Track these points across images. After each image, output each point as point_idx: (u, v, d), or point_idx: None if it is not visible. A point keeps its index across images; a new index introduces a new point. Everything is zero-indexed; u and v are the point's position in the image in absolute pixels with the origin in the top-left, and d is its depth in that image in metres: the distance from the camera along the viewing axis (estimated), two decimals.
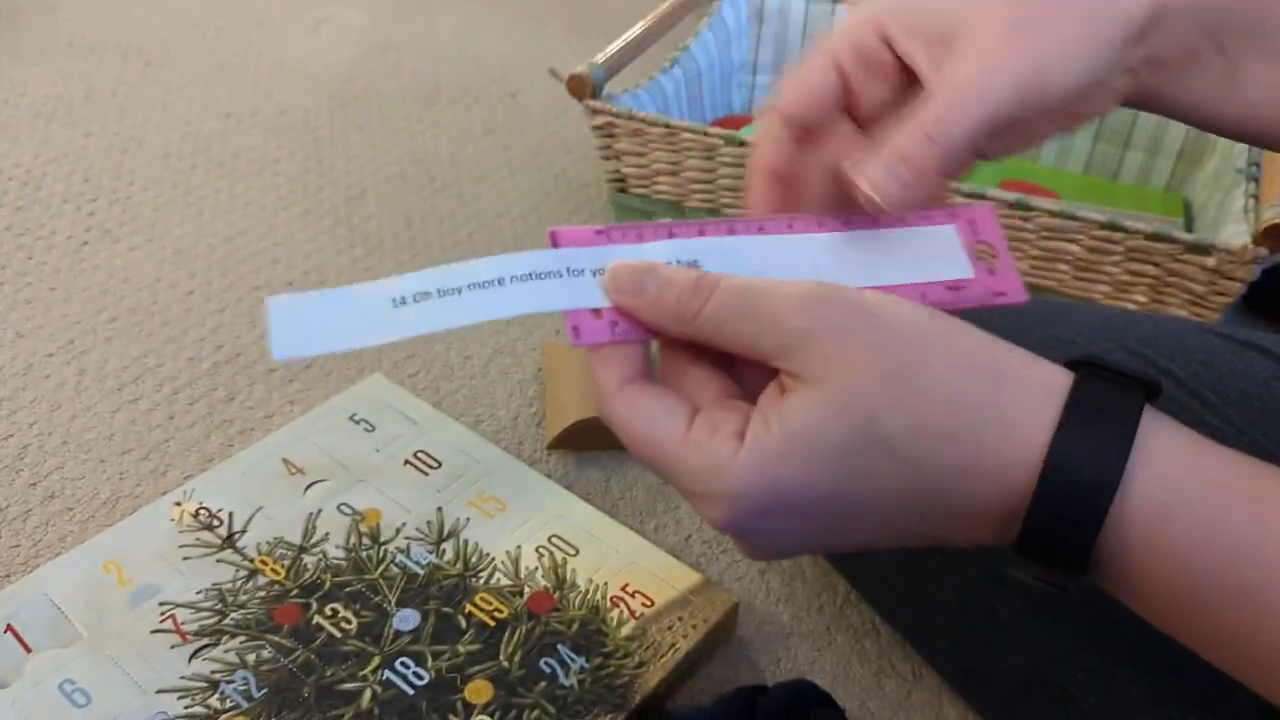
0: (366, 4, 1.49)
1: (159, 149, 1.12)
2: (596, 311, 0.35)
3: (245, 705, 0.54)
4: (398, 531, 0.65)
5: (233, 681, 0.55)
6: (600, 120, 0.82)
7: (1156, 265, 0.73)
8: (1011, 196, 0.73)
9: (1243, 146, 0.83)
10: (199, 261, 0.96)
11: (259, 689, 0.55)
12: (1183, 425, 0.32)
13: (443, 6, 1.50)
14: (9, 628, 0.58)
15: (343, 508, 0.66)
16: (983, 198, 0.73)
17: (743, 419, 0.32)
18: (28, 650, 0.57)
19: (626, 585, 0.62)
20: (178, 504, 0.66)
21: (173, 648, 0.57)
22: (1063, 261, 0.74)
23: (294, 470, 0.69)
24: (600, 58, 0.83)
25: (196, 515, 0.65)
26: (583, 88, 0.81)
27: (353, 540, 0.64)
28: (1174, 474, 0.30)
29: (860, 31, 0.38)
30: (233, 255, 0.97)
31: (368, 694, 0.55)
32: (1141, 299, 0.75)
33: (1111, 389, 0.31)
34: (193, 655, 0.57)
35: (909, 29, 0.38)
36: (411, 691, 0.55)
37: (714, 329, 0.33)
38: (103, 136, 1.13)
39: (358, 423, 0.73)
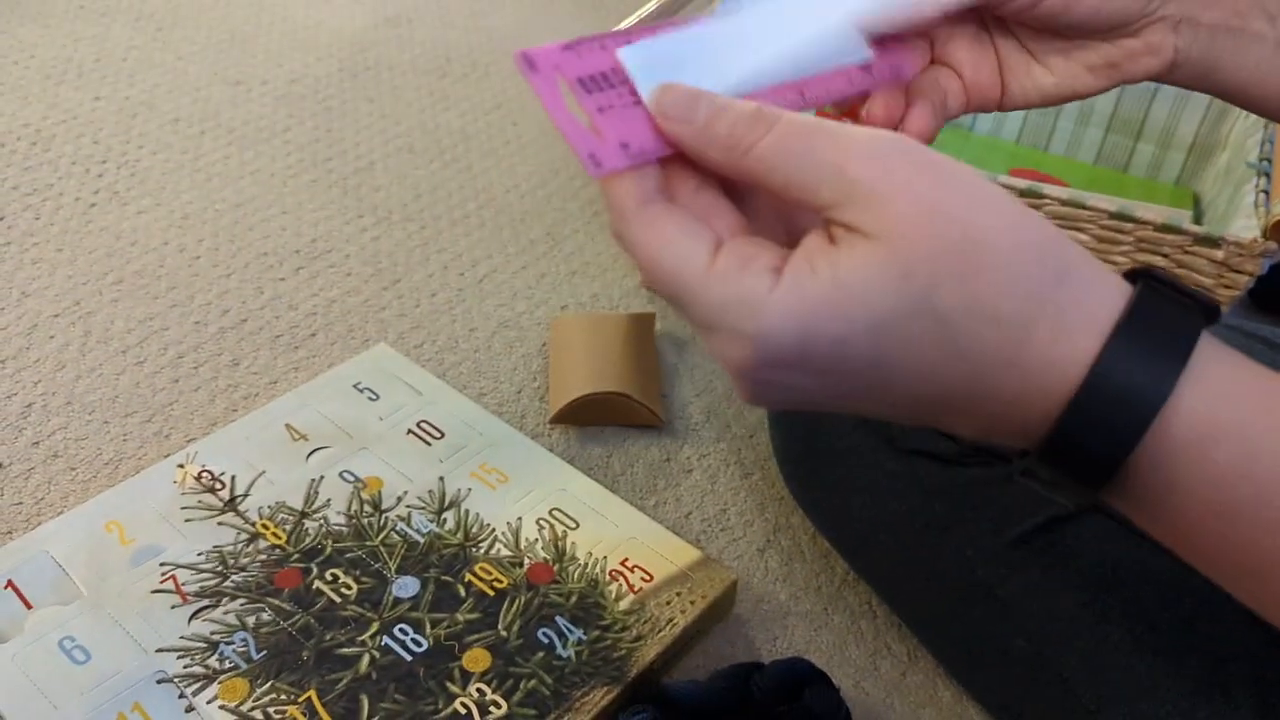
0: None
1: (169, 114, 1.12)
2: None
3: (244, 666, 0.55)
4: (399, 500, 0.65)
5: (232, 643, 0.56)
6: None
7: (1165, 257, 0.73)
8: (1022, 184, 0.72)
9: (1255, 140, 0.83)
10: (206, 227, 0.96)
11: (258, 651, 0.56)
12: (1239, 352, 0.31)
13: None
14: (9, 583, 0.58)
15: (345, 475, 0.66)
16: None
17: (779, 257, 0.30)
18: (28, 606, 0.57)
19: (626, 560, 0.62)
20: (180, 466, 0.66)
21: (173, 608, 0.58)
22: None
23: (297, 436, 0.69)
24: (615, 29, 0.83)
25: (199, 478, 0.65)
26: None
27: (354, 507, 0.64)
28: (1225, 397, 0.29)
29: None
30: (241, 222, 0.97)
31: (366, 659, 0.55)
32: None
33: (1172, 306, 0.30)
34: (192, 616, 0.57)
35: None
36: (409, 658, 0.55)
37: (767, 168, 0.30)
38: (112, 100, 1.13)
39: (362, 391, 0.73)
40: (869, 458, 0.62)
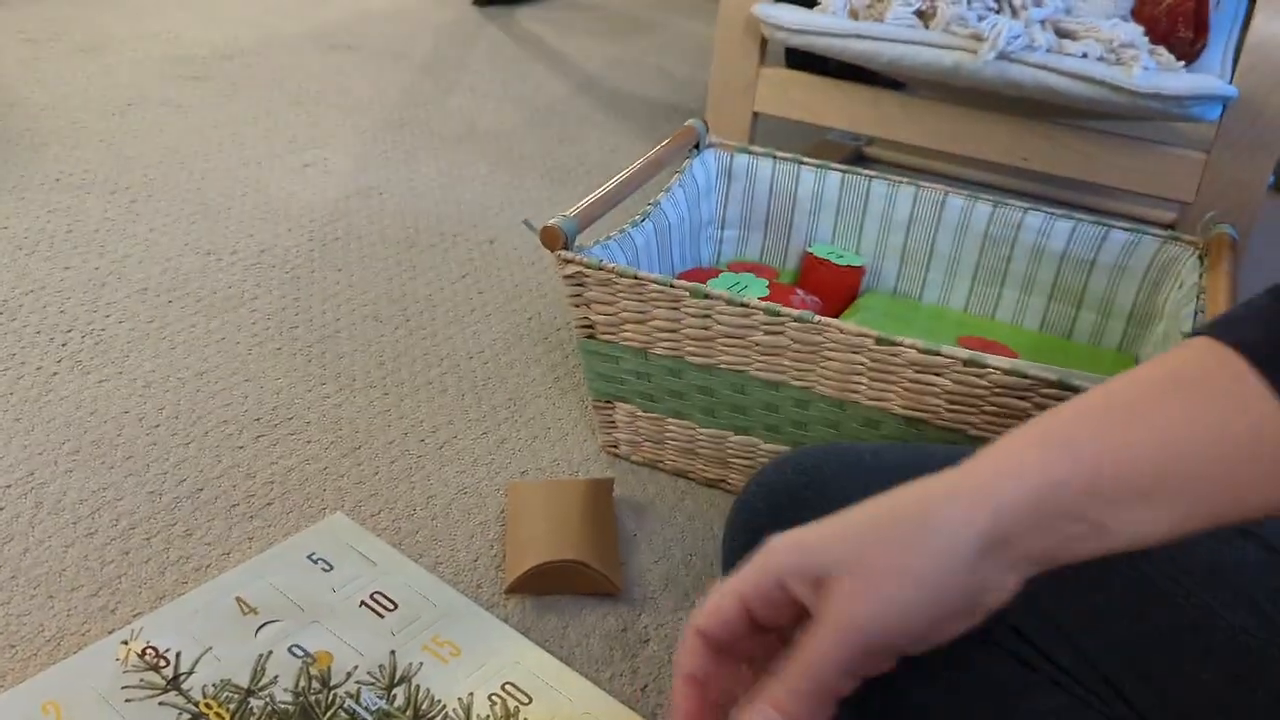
0: (352, 149, 1.54)
1: (137, 283, 1.14)
2: None
3: None
4: (349, 675, 0.64)
5: None
6: (571, 270, 0.84)
7: None
8: (965, 354, 0.75)
9: (1189, 311, 0.87)
10: (168, 395, 0.96)
11: None
12: None
13: (426, 154, 1.55)
14: None
15: (294, 649, 0.65)
16: (937, 354, 0.75)
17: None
18: None
19: None
20: (125, 642, 0.65)
21: None
22: (1015, 418, 0.76)
23: (247, 610, 0.68)
24: (573, 210, 0.86)
25: (143, 655, 0.64)
26: (555, 239, 0.84)
27: (302, 684, 0.63)
28: None
29: (760, 577, 0.45)
30: (203, 390, 0.98)
31: None
32: None
33: None
34: None
35: (797, 572, 0.45)
36: None
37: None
38: (82, 270, 1.15)
39: (316, 562, 0.72)
40: None
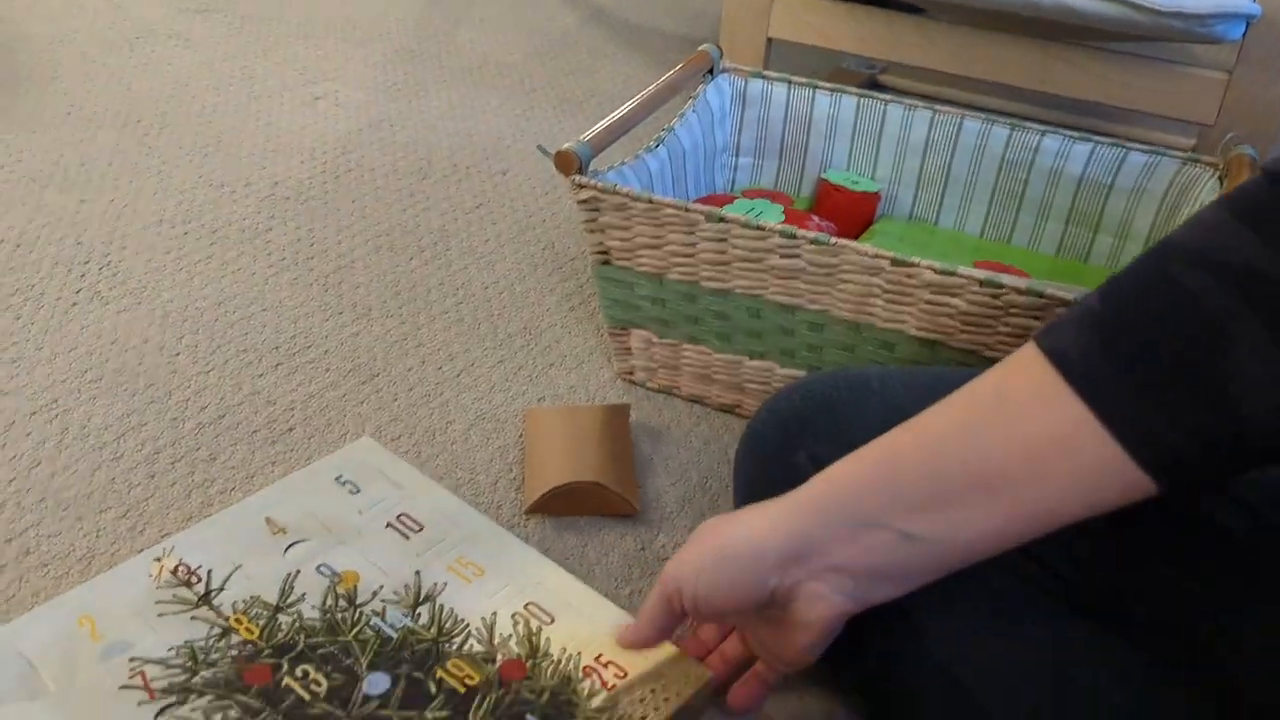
0: (363, 81, 1.53)
1: (152, 216, 1.14)
2: None
3: None
4: (374, 594, 0.65)
5: None
6: (585, 195, 0.84)
7: None
8: (981, 274, 0.75)
9: None
10: (187, 324, 0.97)
11: None
12: None
13: (437, 85, 1.54)
14: None
15: (322, 569, 0.66)
16: (953, 275, 0.75)
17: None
18: None
19: (600, 655, 0.62)
20: (157, 560, 0.66)
21: (139, 704, 0.57)
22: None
23: (276, 530, 0.69)
24: (587, 135, 0.86)
25: (175, 571, 0.65)
26: (569, 163, 0.83)
27: (329, 601, 0.64)
28: None
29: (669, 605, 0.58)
30: (221, 320, 0.98)
31: None
32: None
33: None
34: (158, 714, 0.56)
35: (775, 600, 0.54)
36: None
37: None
38: (97, 203, 1.15)
39: (344, 484, 0.73)
40: None
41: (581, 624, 0.64)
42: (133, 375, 0.90)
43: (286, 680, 0.58)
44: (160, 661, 0.59)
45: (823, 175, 1.09)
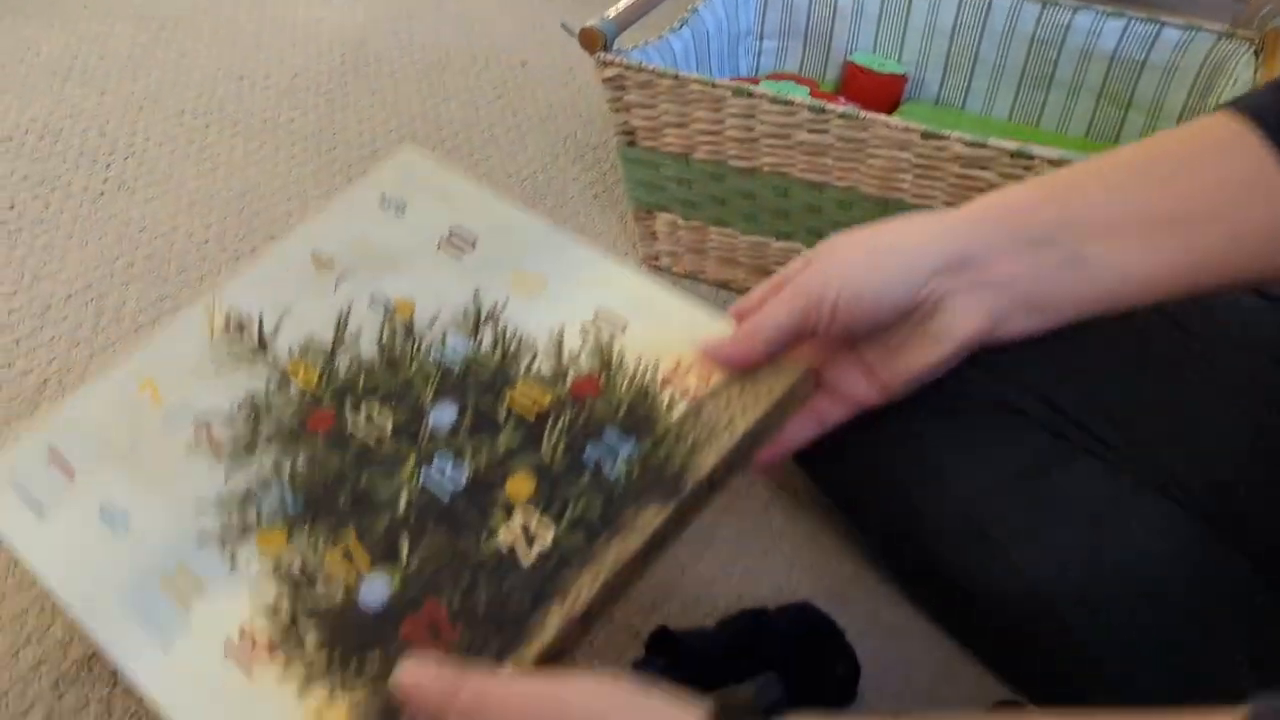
0: None
1: (173, 107, 1.14)
2: None
3: (282, 518, 0.52)
4: (433, 321, 0.59)
5: (269, 494, 0.53)
6: (611, 73, 0.83)
7: None
8: (1012, 145, 0.74)
9: None
10: (214, 213, 0.98)
11: (295, 499, 0.52)
12: None
13: None
14: (51, 452, 0.56)
15: (375, 301, 0.60)
16: (984, 147, 0.74)
17: None
18: (69, 476, 0.55)
19: (680, 362, 0.54)
20: (208, 310, 0.62)
21: (209, 464, 0.55)
22: None
23: (323, 265, 0.63)
24: (611, 12, 0.85)
25: (226, 323, 0.61)
26: (594, 41, 0.82)
27: (386, 336, 0.59)
28: None
29: (805, 313, 0.51)
30: (247, 208, 0.99)
31: (404, 498, 0.51)
32: None
33: None
34: (229, 470, 0.54)
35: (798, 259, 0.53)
36: (449, 493, 0.51)
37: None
38: (117, 95, 1.15)
39: (388, 206, 0.66)
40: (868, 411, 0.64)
41: (657, 328, 0.56)
42: (163, 261, 0.91)
43: (351, 423, 0.55)
44: (223, 418, 0.56)
45: (849, 58, 1.07)
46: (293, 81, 1.21)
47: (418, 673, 0.42)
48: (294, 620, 0.49)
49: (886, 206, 0.82)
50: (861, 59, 1.06)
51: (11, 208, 0.95)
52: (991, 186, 0.77)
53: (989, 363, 0.55)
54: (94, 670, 0.61)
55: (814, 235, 0.87)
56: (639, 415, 0.52)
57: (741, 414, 0.51)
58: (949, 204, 0.79)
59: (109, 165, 1.03)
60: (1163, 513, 0.55)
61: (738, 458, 0.51)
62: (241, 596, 0.50)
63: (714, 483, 0.51)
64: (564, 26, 0.82)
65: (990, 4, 1.01)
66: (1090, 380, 0.60)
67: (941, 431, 0.60)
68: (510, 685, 0.40)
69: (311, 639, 0.48)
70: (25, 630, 0.63)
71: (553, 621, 0.45)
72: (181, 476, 0.54)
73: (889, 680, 0.61)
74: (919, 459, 0.61)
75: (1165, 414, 0.58)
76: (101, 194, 0.99)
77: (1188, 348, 0.59)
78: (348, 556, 0.50)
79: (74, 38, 1.25)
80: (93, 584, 0.51)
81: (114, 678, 0.61)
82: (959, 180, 0.78)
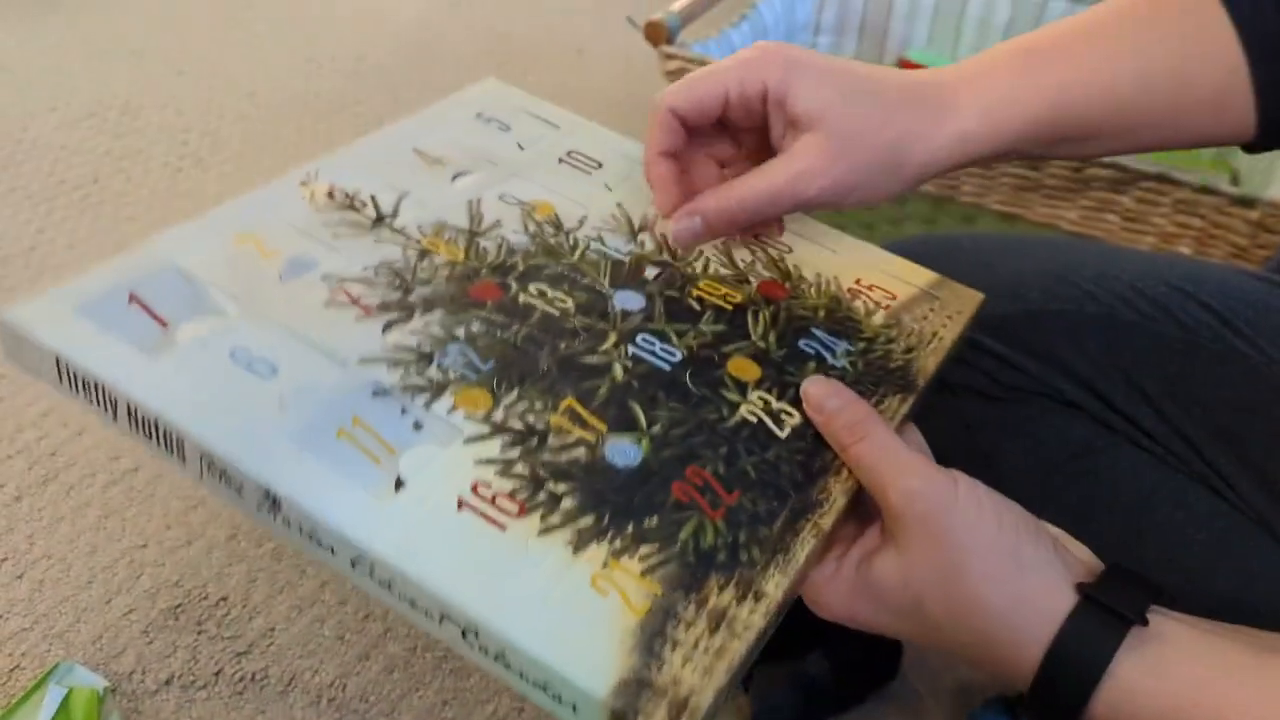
0: None
1: (245, 88, 1.18)
2: None
3: (474, 376, 0.46)
4: (582, 222, 0.53)
5: (448, 354, 0.47)
6: (674, 66, 0.86)
7: (1202, 218, 0.76)
8: None
9: None
10: None
11: (483, 361, 0.47)
12: (1182, 617, 0.41)
13: None
14: (133, 297, 0.46)
15: (505, 198, 0.54)
16: None
17: (847, 550, 0.43)
18: (162, 324, 0.46)
19: (860, 280, 0.53)
20: (304, 184, 0.53)
21: (357, 320, 0.47)
22: (1112, 212, 0.78)
23: (431, 161, 0.56)
24: (676, 5, 0.87)
25: (331, 195, 0.53)
26: (659, 34, 0.85)
27: (532, 228, 0.53)
28: (1155, 666, 0.40)
29: (746, 76, 0.46)
30: None
31: (618, 366, 0.47)
32: (1186, 250, 0.78)
33: (1120, 591, 0.40)
34: (385, 329, 0.47)
35: (780, 99, 0.45)
36: (667, 366, 0.47)
37: (858, 466, 0.43)
38: (193, 74, 1.19)
39: (488, 121, 0.60)
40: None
41: (823, 253, 0.55)
42: None
43: (523, 297, 0.49)
44: (361, 280, 0.48)
45: (903, 54, 1.09)
46: (356, 65, 1.25)
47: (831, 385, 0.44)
48: (535, 477, 0.43)
49: (939, 205, 0.84)
50: (916, 55, 1.08)
51: (95, 181, 0.99)
52: (1047, 186, 0.79)
53: (1041, 353, 0.57)
54: (179, 620, 0.65)
55: (866, 229, 0.89)
56: (840, 317, 0.50)
57: (944, 326, 0.52)
58: (1001, 202, 0.82)
59: (185, 142, 1.07)
60: (1207, 505, 0.57)
61: (939, 376, 0.51)
62: (456, 453, 0.44)
63: (931, 389, 0.50)
64: (629, 21, 0.85)
65: (1046, 3, 1.02)
66: (1138, 374, 0.61)
67: (992, 417, 0.63)
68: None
69: (568, 498, 0.43)
70: (116, 580, 0.67)
71: (837, 490, 0.43)
72: (329, 330, 0.46)
73: (931, 655, 0.64)
74: (969, 445, 0.63)
75: (1212, 411, 0.59)
76: (179, 170, 1.03)
77: (1235, 345, 0.61)
78: (574, 418, 0.45)
79: (152, 19, 1.30)
80: (247, 428, 0.43)
81: (199, 626, 0.65)
82: (1011, 179, 0.80)
